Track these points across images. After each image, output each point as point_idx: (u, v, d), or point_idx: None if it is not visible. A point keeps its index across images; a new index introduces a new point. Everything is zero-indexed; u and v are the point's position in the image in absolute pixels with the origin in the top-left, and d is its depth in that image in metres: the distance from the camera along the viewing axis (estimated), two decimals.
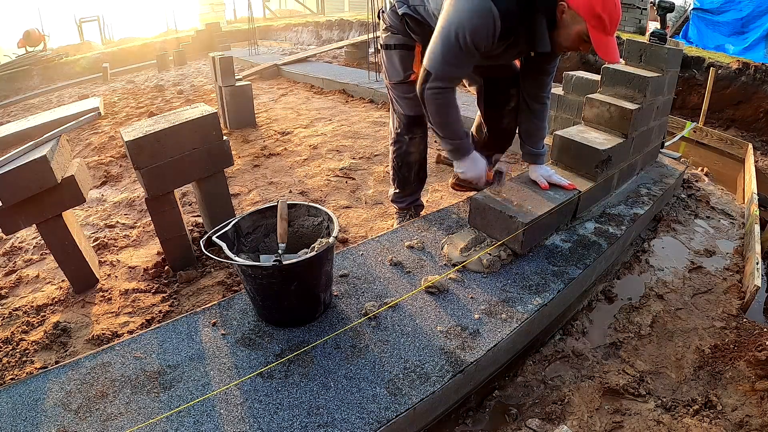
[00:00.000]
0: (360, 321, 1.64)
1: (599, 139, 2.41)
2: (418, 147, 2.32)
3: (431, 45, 1.75)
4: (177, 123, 2.11)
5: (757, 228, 2.48)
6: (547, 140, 3.29)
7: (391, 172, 2.44)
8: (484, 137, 2.46)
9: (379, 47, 2.23)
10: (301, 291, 1.57)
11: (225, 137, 2.31)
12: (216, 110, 2.27)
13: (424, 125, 2.28)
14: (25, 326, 1.99)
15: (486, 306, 1.73)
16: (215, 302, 1.77)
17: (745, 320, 1.94)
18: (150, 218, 2.26)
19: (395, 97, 2.22)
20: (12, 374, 1.73)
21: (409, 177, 2.39)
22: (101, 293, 2.19)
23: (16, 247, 2.76)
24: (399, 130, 2.28)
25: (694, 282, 2.22)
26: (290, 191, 3.18)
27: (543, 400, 1.60)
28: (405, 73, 2.11)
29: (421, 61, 2.07)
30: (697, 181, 3.34)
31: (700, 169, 3.62)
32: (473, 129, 2.54)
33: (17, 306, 2.15)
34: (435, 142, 3.89)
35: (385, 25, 2.12)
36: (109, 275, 2.35)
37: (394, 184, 2.45)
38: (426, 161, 2.41)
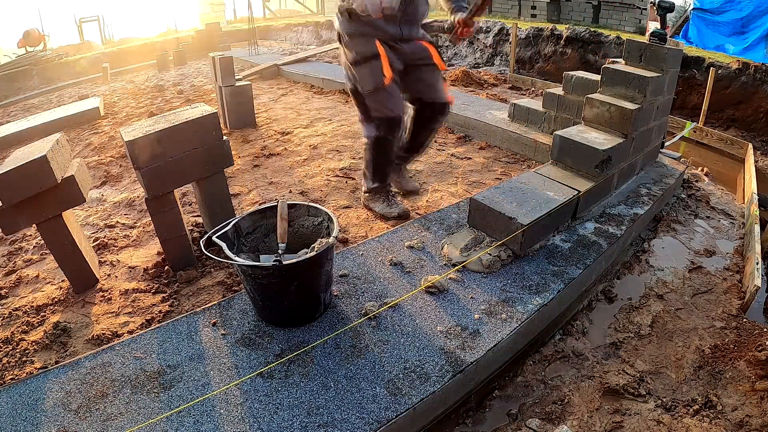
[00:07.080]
0: (360, 321, 1.64)
1: (599, 139, 2.41)
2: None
3: None
4: (177, 123, 2.11)
5: (757, 228, 2.48)
6: (547, 140, 3.31)
7: None
8: None
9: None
10: (301, 291, 1.57)
11: (225, 137, 2.30)
12: (216, 110, 2.27)
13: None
14: (25, 326, 1.99)
15: (486, 306, 1.73)
16: (215, 302, 1.77)
17: (745, 320, 1.94)
18: (150, 218, 2.26)
19: None
20: (12, 374, 1.73)
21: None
22: (101, 293, 2.19)
23: (16, 247, 2.76)
24: None
25: (694, 282, 2.22)
26: (290, 191, 3.18)
27: (543, 400, 1.60)
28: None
29: None
30: (697, 181, 3.34)
31: (700, 169, 3.63)
32: None
33: (17, 306, 2.15)
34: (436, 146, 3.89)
35: None
36: (109, 275, 2.35)
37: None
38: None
